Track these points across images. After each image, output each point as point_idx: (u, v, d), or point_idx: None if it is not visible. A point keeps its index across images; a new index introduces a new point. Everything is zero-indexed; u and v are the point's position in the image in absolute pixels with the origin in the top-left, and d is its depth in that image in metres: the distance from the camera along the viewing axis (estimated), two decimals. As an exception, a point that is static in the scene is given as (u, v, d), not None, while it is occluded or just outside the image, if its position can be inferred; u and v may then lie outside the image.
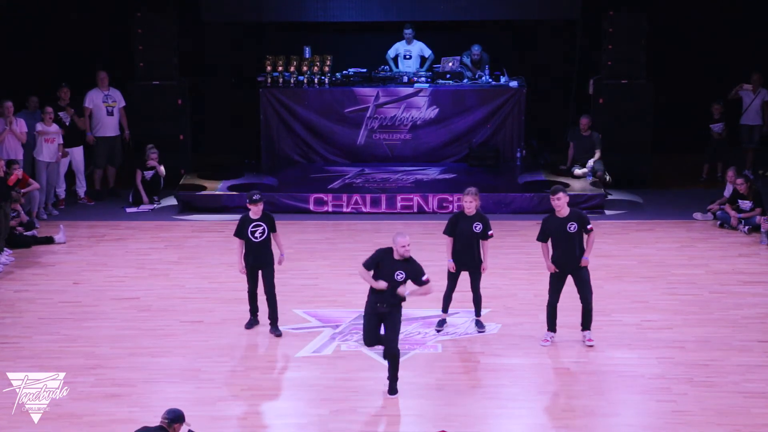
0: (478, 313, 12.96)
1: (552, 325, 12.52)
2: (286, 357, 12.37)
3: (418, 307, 13.03)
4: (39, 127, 17.24)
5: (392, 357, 11.29)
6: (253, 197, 12.69)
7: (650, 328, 12.99)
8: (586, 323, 12.50)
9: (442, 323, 13.00)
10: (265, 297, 12.84)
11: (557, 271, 12.28)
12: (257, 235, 12.65)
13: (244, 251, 12.75)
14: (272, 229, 12.75)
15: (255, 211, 12.66)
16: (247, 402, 11.35)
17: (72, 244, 16.16)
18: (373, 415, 11.05)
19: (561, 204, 12.23)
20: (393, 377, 11.35)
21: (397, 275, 11.13)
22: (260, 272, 12.81)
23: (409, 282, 11.18)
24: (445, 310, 12.97)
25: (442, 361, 12.26)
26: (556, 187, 12.40)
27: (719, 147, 19.04)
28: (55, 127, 17.37)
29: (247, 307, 13.07)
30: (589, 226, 12.31)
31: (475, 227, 12.62)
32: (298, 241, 15.95)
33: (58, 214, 17.46)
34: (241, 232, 12.74)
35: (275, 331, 12.84)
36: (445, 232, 12.77)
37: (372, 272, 11.26)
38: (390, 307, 11.20)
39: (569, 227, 12.19)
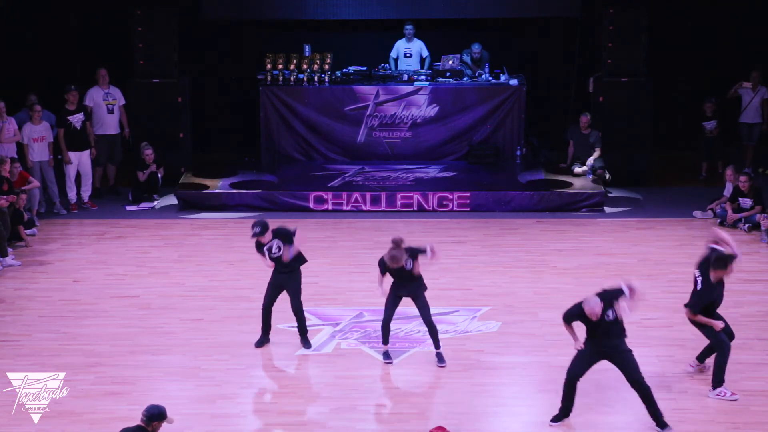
0: (437, 345, 12.03)
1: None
2: (286, 355, 12.36)
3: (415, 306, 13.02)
4: (25, 138, 17.08)
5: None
6: (253, 232, 12.14)
7: (650, 326, 12.98)
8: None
9: (386, 356, 12.16)
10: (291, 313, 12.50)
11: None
12: (274, 251, 12.25)
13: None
14: (288, 242, 12.25)
15: (263, 240, 12.22)
16: (247, 400, 11.37)
17: (72, 242, 16.18)
18: (373, 413, 11.06)
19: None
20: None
21: None
22: (285, 291, 12.35)
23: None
24: (385, 341, 12.12)
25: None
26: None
27: (713, 145, 18.99)
28: (44, 125, 17.30)
29: (248, 304, 12.99)
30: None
31: (407, 265, 11.76)
32: (297, 239, 15.91)
33: (66, 213, 17.42)
34: (260, 252, 12.32)
35: (306, 344, 12.54)
36: (380, 272, 11.95)
37: None
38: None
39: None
